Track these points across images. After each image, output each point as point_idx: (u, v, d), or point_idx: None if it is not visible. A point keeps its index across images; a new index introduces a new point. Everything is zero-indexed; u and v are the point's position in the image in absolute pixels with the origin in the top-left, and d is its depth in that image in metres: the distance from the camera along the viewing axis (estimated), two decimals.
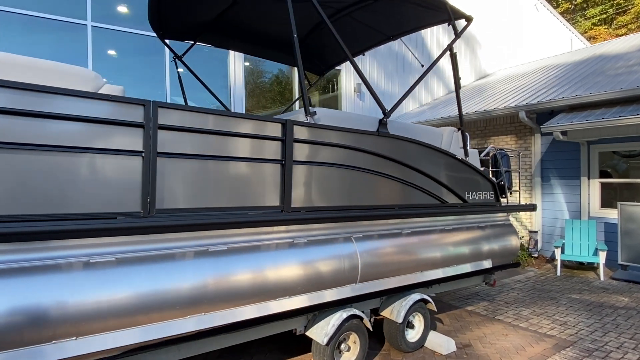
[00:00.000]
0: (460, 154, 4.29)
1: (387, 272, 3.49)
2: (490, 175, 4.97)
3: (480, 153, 4.98)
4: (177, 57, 4.87)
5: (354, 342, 3.41)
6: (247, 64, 9.58)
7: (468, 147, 4.40)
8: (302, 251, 2.95)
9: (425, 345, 4.00)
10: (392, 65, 12.21)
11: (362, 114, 3.50)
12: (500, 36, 15.57)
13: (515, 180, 8.63)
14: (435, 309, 3.96)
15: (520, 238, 8.40)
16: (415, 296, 3.81)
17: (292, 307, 2.88)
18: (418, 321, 3.95)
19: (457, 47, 13.87)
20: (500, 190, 4.97)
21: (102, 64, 7.42)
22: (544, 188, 8.39)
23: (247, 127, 2.71)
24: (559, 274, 7.16)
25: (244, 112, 9.28)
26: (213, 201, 2.58)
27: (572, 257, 7.13)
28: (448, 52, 4.16)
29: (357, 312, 3.32)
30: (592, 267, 7.56)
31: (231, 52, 9.20)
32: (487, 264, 4.40)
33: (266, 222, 2.68)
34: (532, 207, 5.10)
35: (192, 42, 5.02)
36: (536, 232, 8.29)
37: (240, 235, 2.71)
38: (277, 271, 2.81)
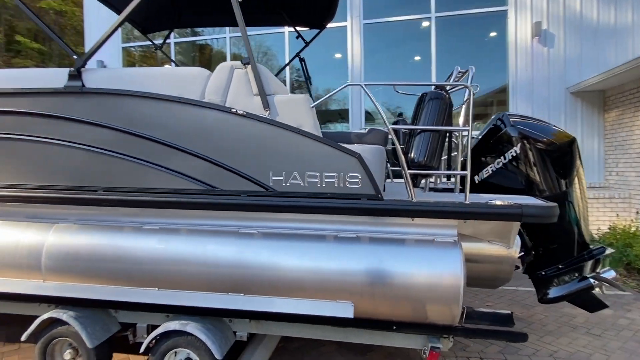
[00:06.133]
0: (254, 106, 2.59)
1: None
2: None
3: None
4: None
5: None
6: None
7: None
8: None
9: None
10: None
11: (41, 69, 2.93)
12: None
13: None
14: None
15: None
16: (173, 324, 2.60)
17: None
18: None
19: None
20: (412, 167, 2.55)
21: None
22: None
23: None
24: None
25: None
26: None
27: None
28: None
29: None
30: None
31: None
32: (331, 308, 2.31)
33: None
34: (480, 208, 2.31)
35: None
36: None
37: None
38: None
